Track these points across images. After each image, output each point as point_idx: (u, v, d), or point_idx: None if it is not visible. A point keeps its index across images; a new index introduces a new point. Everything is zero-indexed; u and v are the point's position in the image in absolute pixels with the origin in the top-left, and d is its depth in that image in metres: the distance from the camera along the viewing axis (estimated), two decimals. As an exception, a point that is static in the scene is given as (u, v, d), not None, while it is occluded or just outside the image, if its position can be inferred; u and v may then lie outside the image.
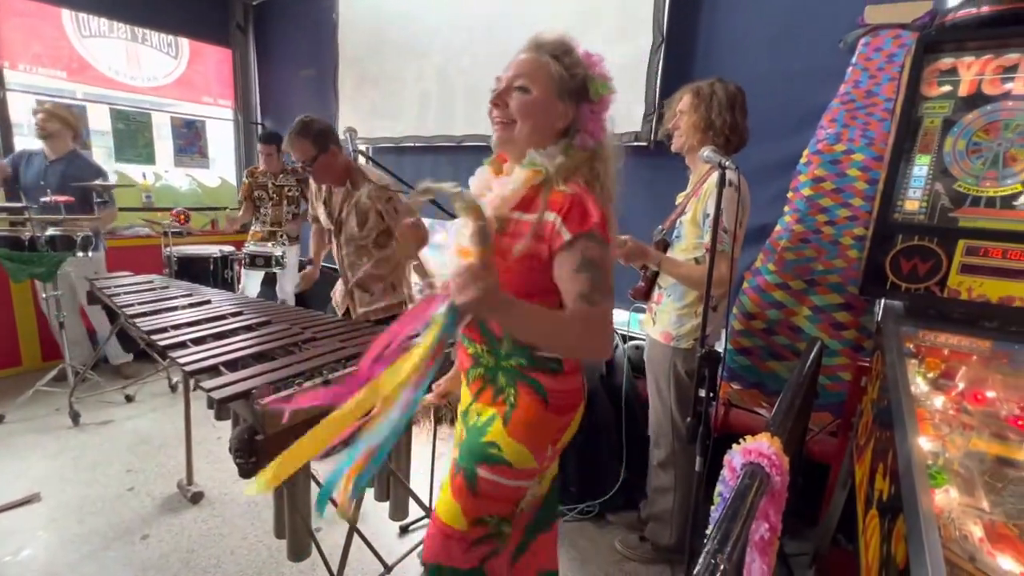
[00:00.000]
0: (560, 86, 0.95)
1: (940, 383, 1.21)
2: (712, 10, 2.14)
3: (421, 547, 1.79)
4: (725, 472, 0.76)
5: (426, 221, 2.26)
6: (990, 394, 1.15)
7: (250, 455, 1.18)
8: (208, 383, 1.26)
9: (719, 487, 0.78)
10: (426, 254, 1.59)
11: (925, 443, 0.97)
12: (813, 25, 1.92)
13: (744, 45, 2.07)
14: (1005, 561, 0.72)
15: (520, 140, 0.96)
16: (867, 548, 1.03)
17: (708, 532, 0.81)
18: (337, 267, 2.23)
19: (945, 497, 0.86)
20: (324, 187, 2.11)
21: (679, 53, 2.20)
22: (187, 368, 1.38)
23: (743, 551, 0.54)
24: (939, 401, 1.15)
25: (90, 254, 2.75)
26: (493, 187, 1.00)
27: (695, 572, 0.48)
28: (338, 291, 2.26)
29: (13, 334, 3.21)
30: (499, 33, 2.72)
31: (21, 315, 3.22)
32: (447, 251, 1.04)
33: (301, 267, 3.58)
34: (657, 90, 2.21)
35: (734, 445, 0.79)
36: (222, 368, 1.39)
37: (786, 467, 0.72)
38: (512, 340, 0.99)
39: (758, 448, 0.72)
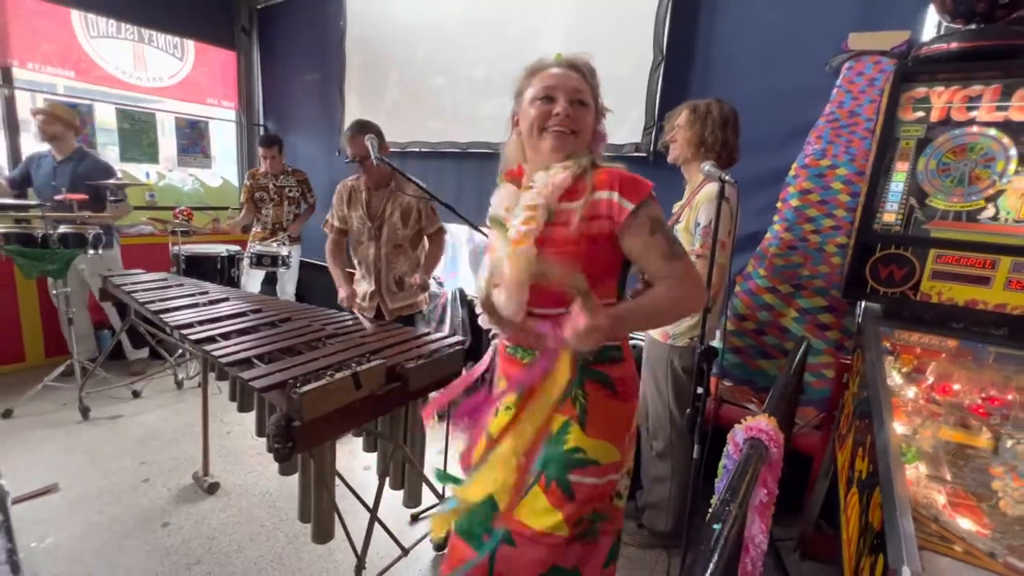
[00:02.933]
0: (596, 103, 1.07)
1: (913, 376, 1.36)
2: (709, 32, 2.29)
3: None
4: (729, 447, 0.88)
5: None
6: (956, 386, 1.30)
7: (287, 440, 1.27)
8: (247, 374, 1.35)
9: (723, 461, 0.90)
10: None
11: (899, 427, 1.11)
12: (801, 49, 2.08)
13: (738, 65, 2.23)
14: (964, 522, 0.85)
15: (570, 148, 1.03)
16: (847, 523, 1.16)
17: (712, 500, 0.93)
18: (363, 269, 2.26)
19: (915, 472, 0.99)
20: (364, 191, 2.21)
21: (677, 70, 2.35)
22: (223, 360, 1.46)
23: (747, 503, 0.66)
24: (912, 392, 1.29)
25: (100, 251, 2.79)
26: (536, 181, 1.04)
27: (710, 512, 0.60)
28: (362, 293, 2.28)
29: (18, 330, 3.24)
30: (506, 44, 2.84)
31: (26, 311, 3.25)
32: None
33: (301, 267, 3.67)
34: (657, 104, 2.35)
35: (736, 425, 0.91)
36: (255, 360, 1.48)
37: (781, 441, 0.84)
38: None
39: (757, 425, 0.84)
